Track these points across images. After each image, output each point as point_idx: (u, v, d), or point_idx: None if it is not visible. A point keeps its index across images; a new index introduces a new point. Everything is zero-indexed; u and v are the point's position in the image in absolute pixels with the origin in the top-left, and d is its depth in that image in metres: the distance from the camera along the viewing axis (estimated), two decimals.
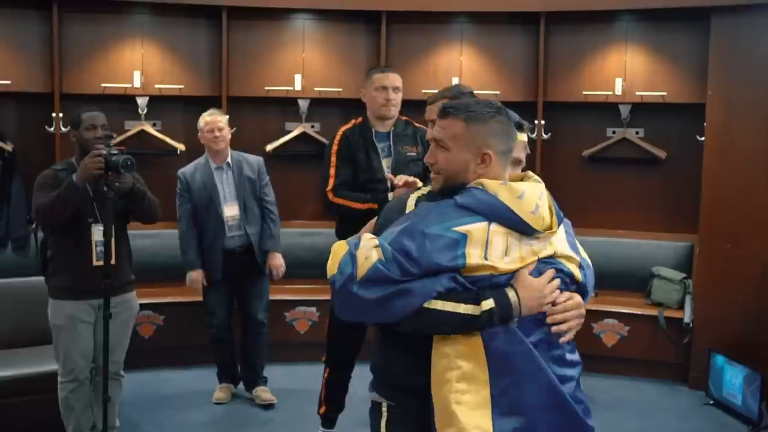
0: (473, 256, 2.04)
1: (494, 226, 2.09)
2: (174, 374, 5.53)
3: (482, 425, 2.01)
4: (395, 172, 3.80)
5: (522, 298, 2.06)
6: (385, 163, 4.04)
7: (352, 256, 2.07)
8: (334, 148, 4.06)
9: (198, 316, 5.24)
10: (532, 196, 2.12)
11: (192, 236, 4.87)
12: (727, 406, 5.06)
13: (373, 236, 2.13)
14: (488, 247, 2.07)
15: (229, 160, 4.95)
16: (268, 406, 4.98)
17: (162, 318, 5.59)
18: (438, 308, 2.02)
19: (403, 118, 4.22)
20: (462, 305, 2.02)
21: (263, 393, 5.04)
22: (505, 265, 2.08)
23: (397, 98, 4.07)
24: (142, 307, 5.42)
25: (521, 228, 2.11)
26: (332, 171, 4.02)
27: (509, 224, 2.10)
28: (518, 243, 2.11)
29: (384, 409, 2.24)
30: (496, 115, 2.16)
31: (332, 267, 2.09)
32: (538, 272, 2.12)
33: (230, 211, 4.88)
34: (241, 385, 5.19)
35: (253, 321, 5.03)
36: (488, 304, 2.03)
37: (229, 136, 4.97)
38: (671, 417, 5.02)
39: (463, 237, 2.04)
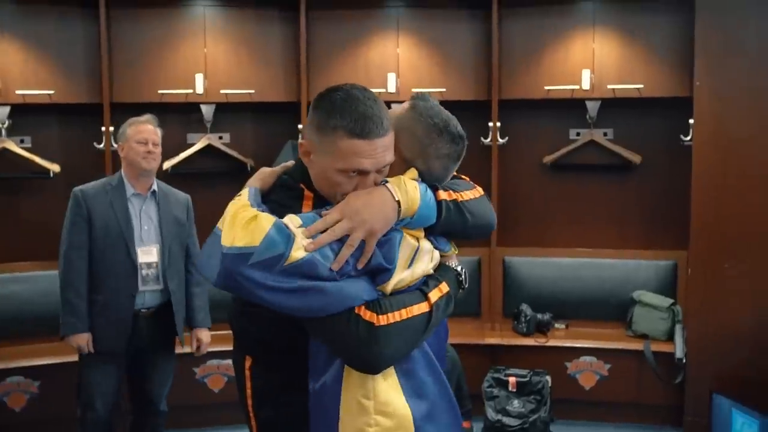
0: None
1: None
2: None
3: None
4: None
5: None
6: None
7: (288, 236, 1.69)
8: None
9: None
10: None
11: (83, 282, 3.54)
12: None
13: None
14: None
15: (155, 187, 3.68)
16: None
17: (37, 385, 4.44)
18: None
19: None
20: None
21: None
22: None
23: None
24: (11, 372, 4.47)
25: None
26: None
27: None
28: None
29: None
30: None
31: (253, 238, 1.68)
32: None
33: (146, 256, 3.59)
34: None
35: (153, 411, 3.75)
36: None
37: (161, 157, 3.72)
38: None
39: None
